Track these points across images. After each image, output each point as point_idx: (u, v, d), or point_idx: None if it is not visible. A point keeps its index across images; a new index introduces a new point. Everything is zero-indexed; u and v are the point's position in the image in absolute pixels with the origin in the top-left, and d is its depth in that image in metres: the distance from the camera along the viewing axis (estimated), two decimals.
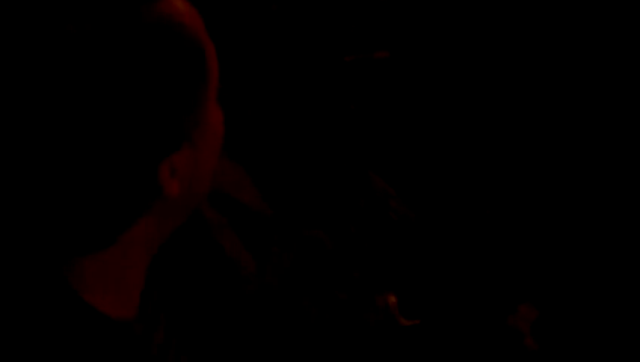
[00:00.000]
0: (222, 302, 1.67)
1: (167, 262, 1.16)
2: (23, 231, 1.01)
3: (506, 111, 2.61)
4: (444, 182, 2.57)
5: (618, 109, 2.63)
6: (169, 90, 0.97)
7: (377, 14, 2.38)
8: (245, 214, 1.87)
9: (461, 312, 2.12)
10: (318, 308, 1.91)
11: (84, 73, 0.94)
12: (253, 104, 2.30)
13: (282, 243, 1.97)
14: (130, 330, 1.05)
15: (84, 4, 0.96)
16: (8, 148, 0.97)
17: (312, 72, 2.36)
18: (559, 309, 2.34)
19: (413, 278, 2.19)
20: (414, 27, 2.58)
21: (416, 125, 2.58)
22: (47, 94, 0.94)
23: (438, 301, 2.15)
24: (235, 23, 2.32)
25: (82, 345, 0.99)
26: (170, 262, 1.20)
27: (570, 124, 2.61)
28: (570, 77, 2.63)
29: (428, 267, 2.27)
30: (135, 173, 0.98)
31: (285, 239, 1.99)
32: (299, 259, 1.97)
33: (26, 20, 0.97)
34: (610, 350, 2.27)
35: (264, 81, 2.33)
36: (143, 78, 0.96)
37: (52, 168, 0.96)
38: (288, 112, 2.35)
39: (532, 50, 2.60)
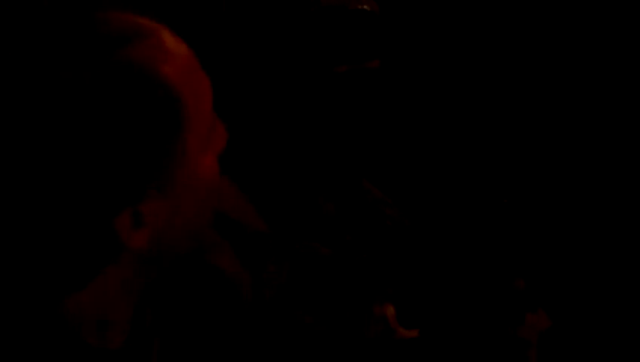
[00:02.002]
0: (218, 319, 1.67)
1: (159, 285, 1.16)
2: (17, 267, 1.02)
3: (499, 117, 2.61)
4: (440, 188, 2.57)
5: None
6: (129, 140, 0.93)
7: (366, 24, 2.39)
8: (240, 232, 1.87)
9: (463, 322, 2.12)
10: (316, 320, 1.91)
11: (39, 114, 0.91)
12: (245, 118, 2.30)
13: (278, 257, 1.97)
14: (120, 358, 1.06)
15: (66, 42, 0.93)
16: None
17: (304, 84, 2.36)
18: (570, 320, 2.33)
19: (411, 287, 2.19)
20: (404, 36, 2.59)
21: (409, 132, 2.59)
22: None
23: (438, 310, 2.14)
24: (225, 40, 2.33)
25: None
26: (163, 283, 1.20)
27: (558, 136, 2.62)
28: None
29: (426, 275, 2.27)
30: (91, 222, 0.95)
31: (281, 253, 1.99)
32: (295, 271, 1.98)
33: None
34: None
35: (256, 94, 2.34)
36: (101, 126, 0.91)
37: (14, 213, 0.95)
38: (281, 125, 2.35)
39: (522, 65, 2.61)
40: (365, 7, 2.43)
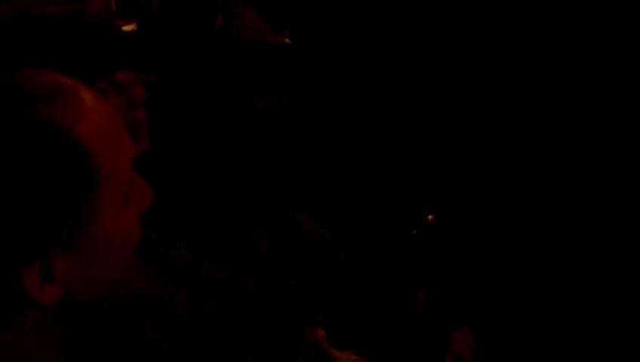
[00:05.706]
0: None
1: (84, 342, 1.15)
2: None
3: (421, 139, 2.64)
4: (371, 212, 2.60)
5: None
6: (35, 195, 0.93)
7: (284, 58, 2.41)
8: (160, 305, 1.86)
9: (392, 343, 2.13)
10: (249, 351, 1.91)
11: None
12: (175, 161, 2.31)
13: (207, 293, 1.96)
14: None
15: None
16: None
17: (228, 122, 2.37)
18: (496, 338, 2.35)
19: (343, 311, 2.20)
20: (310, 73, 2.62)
21: (335, 161, 2.61)
22: None
23: (369, 331, 2.15)
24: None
25: None
26: (87, 340, 1.18)
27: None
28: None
29: (359, 300, 2.28)
30: None
31: (210, 289, 1.99)
32: (226, 307, 1.97)
33: None
34: None
35: (184, 135, 2.34)
36: (8, 179, 0.92)
37: None
38: (209, 164, 2.36)
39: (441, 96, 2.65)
40: (287, 40, 2.46)
